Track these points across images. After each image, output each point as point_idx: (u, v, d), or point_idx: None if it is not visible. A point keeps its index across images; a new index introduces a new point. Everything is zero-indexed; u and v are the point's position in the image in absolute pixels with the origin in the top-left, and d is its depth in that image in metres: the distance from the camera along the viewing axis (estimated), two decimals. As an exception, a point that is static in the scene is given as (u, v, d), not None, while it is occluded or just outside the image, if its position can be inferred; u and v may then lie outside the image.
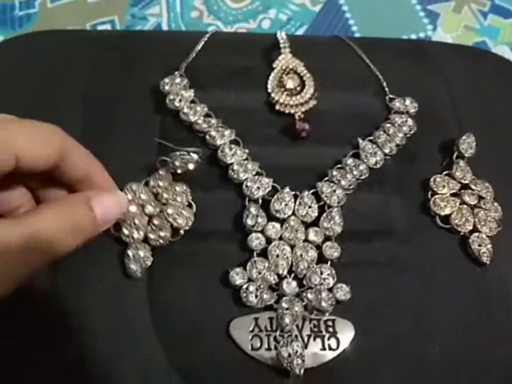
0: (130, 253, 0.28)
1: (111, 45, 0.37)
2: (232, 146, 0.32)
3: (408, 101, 0.35)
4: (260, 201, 0.30)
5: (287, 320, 0.27)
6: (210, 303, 0.28)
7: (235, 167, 0.31)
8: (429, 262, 0.30)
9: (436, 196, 0.31)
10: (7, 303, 0.22)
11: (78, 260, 0.28)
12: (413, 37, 0.45)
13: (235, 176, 0.31)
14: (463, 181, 0.32)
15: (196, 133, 0.33)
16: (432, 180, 0.32)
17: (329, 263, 0.29)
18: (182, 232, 0.29)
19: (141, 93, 0.34)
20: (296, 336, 0.27)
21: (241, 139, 0.32)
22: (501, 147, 0.34)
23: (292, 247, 0.29)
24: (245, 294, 0.28)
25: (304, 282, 0.28)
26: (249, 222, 0.29)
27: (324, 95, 0.34)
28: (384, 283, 0.29)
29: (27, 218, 0.22)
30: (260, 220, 0.29)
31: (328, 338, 0.27)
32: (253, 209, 0.30)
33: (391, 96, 0.35)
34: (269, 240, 0.29)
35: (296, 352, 0.26)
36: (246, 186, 0.30)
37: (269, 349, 0.27)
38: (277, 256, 0.29)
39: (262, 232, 0.29)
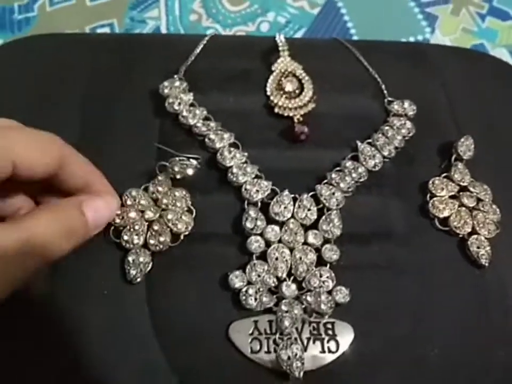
0: (130, 258, 0.28)
1: (110, 48, 0.37)
2: (231, 149, 0.32)
3: (406, 104, 0.35)
4: (259, 204, 0.30)
5: (286, 323, 0.27)
6: (209, 306, 0.28)
7: (234, 170, 0.31)
8: (427, 265, 0.30)
9: (435, 198, 0.31)
10: (8, 304, 0.22)
11: (78, 264, 0.28)
12: (411, 39, 0.45)
13: (234, 179, 0.31)
14: (461, 183, 0.32)
15: (195, 136, 0.33)
16: (430, 182, 0.32)
17: (328, 265, 0.29)
18: (181, 237, 0.29)
19: (140, 96, 0.34)
20: (295, 339, 0.27)
21: (240, 142, 0.32)
22: (499, 149, 0.34)
23: (291, 250, 0.29)
24: (244, 297, 0.28)
25: (304, 285, 0.28)
26: (249, 225, 0.29)
27: (323, 98, 0.35)
28: (383, 286, 0.29)
29: (23, 223, 0.22)
30: (259, 222, 0.29)
31: (328, 341, 0.27)
32: (252, 212, 0.30)
33: (389, 98, 0.35)
34: (268, 243, 0.29)
35: (296, 355, 0.26)
36: (245, 189, 0.30)
37: (268, 351, 0.27)
38: (276, 259, 0.29)
39: (261, 235, 0.29)
